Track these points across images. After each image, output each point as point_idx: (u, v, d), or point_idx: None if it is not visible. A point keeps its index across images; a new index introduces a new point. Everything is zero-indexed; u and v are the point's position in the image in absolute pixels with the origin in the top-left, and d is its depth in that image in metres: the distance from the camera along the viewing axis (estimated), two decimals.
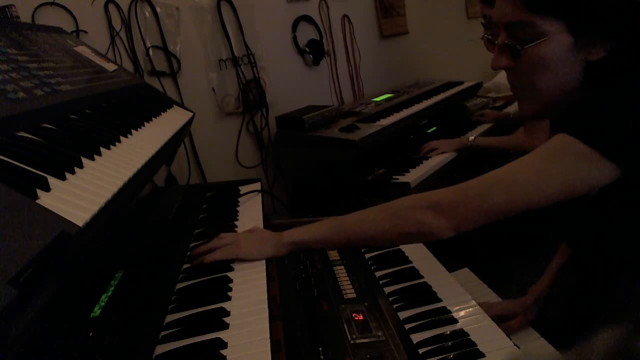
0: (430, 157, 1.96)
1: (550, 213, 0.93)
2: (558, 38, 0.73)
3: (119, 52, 1.68)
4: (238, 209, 1.29)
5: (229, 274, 0.94)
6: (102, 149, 0.79)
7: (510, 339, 0.87)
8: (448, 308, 0.96)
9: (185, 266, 1.00)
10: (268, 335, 0.74)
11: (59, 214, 0.55)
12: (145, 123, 1.08)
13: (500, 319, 1.06)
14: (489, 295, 1.25)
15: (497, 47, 0.81)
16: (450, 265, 1.15)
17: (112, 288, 0.85)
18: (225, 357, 0.70)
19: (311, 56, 2.25)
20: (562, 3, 0.72)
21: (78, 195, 0.62)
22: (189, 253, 1.03)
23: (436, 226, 0.81)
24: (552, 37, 0.73)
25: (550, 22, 0.73)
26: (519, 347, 0.86)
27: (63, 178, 0.64)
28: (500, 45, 0.80)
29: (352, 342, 0.83)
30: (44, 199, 0.57)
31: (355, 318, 0.90)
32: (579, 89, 0.76)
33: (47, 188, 0.59)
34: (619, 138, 0.69)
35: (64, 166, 0.66)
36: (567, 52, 0.74)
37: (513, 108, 2.45)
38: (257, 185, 1.43)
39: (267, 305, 0.82)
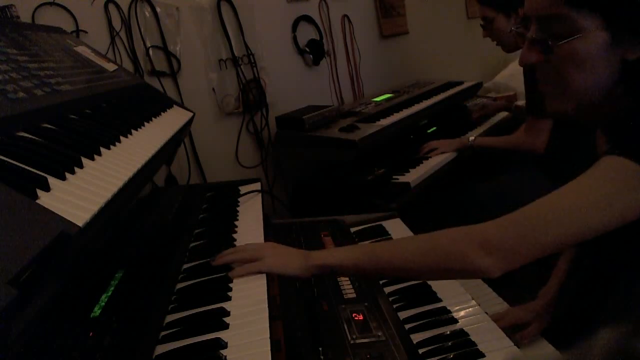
0: (430, 157, 1.96)
1: None
2: (594, 35, 0.69)
3: (119, 52, 1.68)
4: (238, 209, 1.29)
5: (229, 274, 0.94)
6: (102, 149, 0.79)
7: (511, 339, 0.87)
8: (448, 308, 0.96)
9: (185, 266, 1.00)
10: (268, 335, 0.74)
11: (59, 214, 0.55)
12: (145, 123, 1.08)
13: (512, 329, 1.03)
14: (489, 295, 1.25)
15: (528, 41, 0.77)
16: None
17: (112, 288, 0.85)
18: (225, 357, 0.70)
19: (311, 56, 2.25)
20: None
21: (78, 195, 0.62)
22: (184, 266, 0.98)
23: (485, 266, 0.73)
24: (587, 33, 0.69)
25: (587, 18, 0.69)
26: (518, 347, 0.86)
27: (63, 178, 0.64)
28: (531, 40, 0.76)
29: (352, 342, 0.83)
30: (44, 199, 0.57)
31: (355, 318, 0.90)
32: (615, 90, 0.73)
33: (47, 188, 0.59)
34: None
35: (64, 166, 0.66)
36: (603, 50, 0.70)
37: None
38: (257, 185, 1.43)
39: (267, 305, 0.82)
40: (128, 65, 1.70)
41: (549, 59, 0.75)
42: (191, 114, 1.43)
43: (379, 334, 0.85)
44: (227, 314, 0.80)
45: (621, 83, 0.72)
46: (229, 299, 0.85)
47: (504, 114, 2.40)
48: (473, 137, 1.99)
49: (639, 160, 0.66)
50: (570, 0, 0.70)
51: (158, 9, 1.76)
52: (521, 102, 2.47)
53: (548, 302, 1.10)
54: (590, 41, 0.70)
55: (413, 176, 1.77)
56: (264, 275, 0.90)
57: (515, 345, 0.85)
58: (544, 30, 0.74)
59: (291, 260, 0.90)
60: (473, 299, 1.00)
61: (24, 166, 0.61)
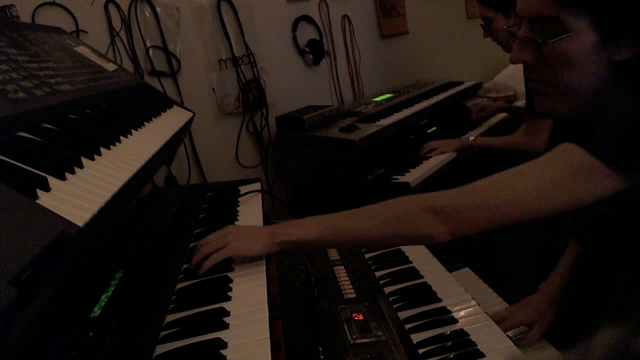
0: (430, 157, 1.96)
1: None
2: (583, 35, 0.71)
3: (119, 52, 1.68)
4: (238, 209, 1.29)
5: (229, 274, 0.94)
6: (102, 149, 0.79)
7: (510, 339, 0.87)
8: (448, 308, 0.96)
9: (185, 266, 1.00)
10: (268, 335, 0.74)
11: (59, 214, 0.55)
12: (145, 123, 1.08)
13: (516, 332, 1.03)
14: (489, 295, 1.25)
15: (518, 41, 0.78)
16: (451, 265, 1.15)
17: (112, 288, 0.85)
18: (225, 357, 0.70)
19: (311, 56, 2.25)
20: None
21: (78, 196, 0.62)
22: (184, 266, 0.99)
23: (435, 231, 0.78)
24: (577, 33, 0.71)
25: (577, 18, 0.70)
26: (518, 347, 0.86)
27: (63, 178, 0.64)
28: (522, 39, 0.77)
29: (352, 342, 0.83)
30: (44, 199, 0.57)
31: (355, 318, 0.90)
32: (605, 89, 0.74)
33: (47, 188, 0.59)
34: (625, 151, 0.67)
35: (64, 166, 0.66)
36: (592, 50, 0.71)
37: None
38: (257, 185, 1.43)
39: (267, 305, 0.82)
40: (128, 65, 1.70)
41: (539, 59, 0.76)
42: (191, 114, 1.43)
43: (379, 334, 0.85)
44: (227, 314, 0.80)
45: (610, 83, 0.73)
46: (229, 299, 0.85)
47: (503, 114, 2.40)
48: (473, 137, 1.99)
49: (593, 153, 0.69)
50: (560, 1, 0.71)
51: (158, 9, 1.76)
52: (520, 103, 2.47)
53: (551, 299, 1.09)
54: (580, 41, 0.71)
55: (413, 176, 1.77)
56: (264, 275, 0.90)
57: (515, 345, 0.85)
58: (535, 30, 0.75)
59: (256, 240, 0.93)
60: (473, 299, 1.00)
61: (24, 166, 0.61)
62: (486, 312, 0.96)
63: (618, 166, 0.67)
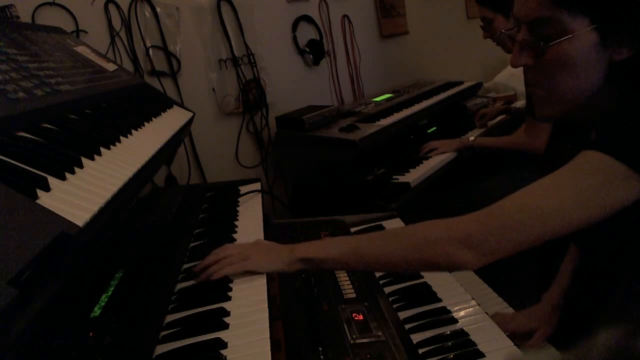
0: (430, 157, 1.96)
1: None
2: (584, 36, 0.70)
3: (119, 52, 1.68)
4: (238, 209, 1.29)
5: None
6: (102, 149, 0.79)
7: (510, 339, 0.87)
8: (448, 308, 0.96)
9: (185, 266, 1.00)
10: (268, 335, 0.74)
11: (59, 214, 0.55)
12: (145, 123, 1.08)
13: (518, 337, 1.01)
14: (489, 295, 1.25)
15: (518, 44, 0.77)
16: None
17: (112, 288, 0.85)
18: (225, 357, 0.70)
19: (311, 56, 2.25)
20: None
21: (78, 196, 0.62)
22: (184, 266, 0.98)
23: (465, 260, 0.75)
24: (577, 34, 0.70)
25: (576, 19, 0.70)
26: (518, 347, 0.86)
27: (63, 178, 0.64)
28: (522, 42, 0.76)
29: (352, 342, 0.83)
30: (44, 199, 0.57)
31: (355, 318, 0.90)
32: (602, 91, 0.74)
33: (47, 188, 0.59)
34: None
35: (64, 166, 0.66)
36: (592, 51, 0.71)
37: (515, 106, 2.45)
38: (257, 185, 1.43)
39: (267, 305, 0.82)
40: (128, 65, 1.70)
41: (539, 61, 0.76)
42: (191, 114, 1.43)
43: (379, 334, 0.85)
44: (227, 314, 0.80)
45: (608, 83, 0.73)
46: (229, 299, 0.85)
47: (507, 107, 2.40)
48: (473, 137, 1.99)
49: (619, 157, 0.67)
50: (559, 3, 0.70)
51: (158, 9, 1.76)
52: (519, 104, 2.47)
53: (554, 307, 1.08)
54: (580, 43, 0.71)
55: (413, 176, 1.77)
56: (264, 275, 0.90)
57: (515, 345, 0.85)
58: (534, 33, 0.75)
59: (276, 256, 0.91)
60: (473, 299, 1.00)
61: (24, 166, 0.61)
62: (486, 312, 0.96)
63: None
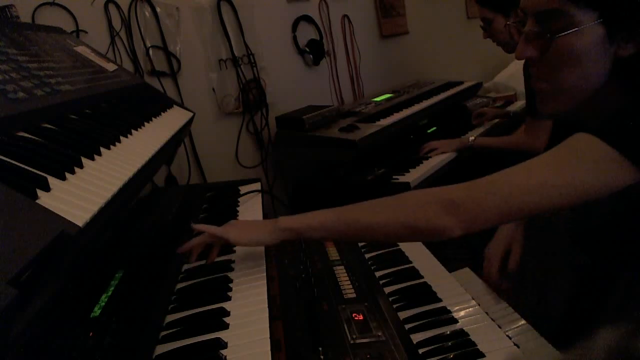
0: (430, 157, 1.96)
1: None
2: (591, 30, 0.70)
3: (119, 52, 1.68)
4: (238, 209, 1.29)
5: (229, 274, 0.94)
6: (102, 149, 0.79)
7: (510, 339, 0.87)
8: (448, 308, 0.96)
9: (186, 266, 1.00)
10: (268, 335, 0.74)
11: (59, 214, 0.55)
12: (145, 123, 1.08)
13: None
14: (489, 295, 1.25)
15: (524, 36, 0.77)
16: (451, 265, 1.14)
17: (112, 288, 0.85)
18: (225, 357, 0.70)
19: (311, 56, 2.25)
20: None
21: (78, 196, 0.62)
22: (184, 266, 1.01)
23: (446, 224, 0.76)
24: (584, 28, 0.70)
25: (583, 12, 0.70)
26: (519, 347, 0.86)
27: (63, 178, 0.64)
28: (528, 34, 0.76)
29: (352, 342, 0.83)
30: (44, 199, 0.57)
31: (355, 318, 0.90)
32: (606, 87, 0.74)
33: (47, 188, 0.59)
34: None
35: (64, 166, 0.66)
36: (598, 45, 0.71)
37: (513, 108, 2.45)
38: (257, 185, 1.43)
39: (267, 305, 0.82)
40: (128, 65, 1.70)
41: (545, 54, 0.75)
42: (191, 114, 1.43)
43: (379, 334, 0.85)
44: (227, 314, 0.80)
45: (613, 79, 0.73)
46: (229, 299, 0.85)
47: (506, 110, 2.40)
48: (473, 137, 1.99)
49: (610, 142, 0.67)
50: None
51: (158, 9, 1.76)
52: (520, 103, 2.47)
53: (517, 224, 1.12)
54: (586, 36, 0.71)
55: (413, 176, 1.77)
56: (264, 275, 0.90)
57: (515, 345, 0.85)
58: (541, 25, 0.74)
59: (256, 228, 0.93)
60: (473, 299, 1.00)
61: (24, 166, 0.61)
62: (486, 312, 0.96)
63: (635, 157, 0.65)
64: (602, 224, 0.84)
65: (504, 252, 1.10)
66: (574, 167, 0.70)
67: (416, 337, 0.88)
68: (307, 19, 2.26)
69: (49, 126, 0.79)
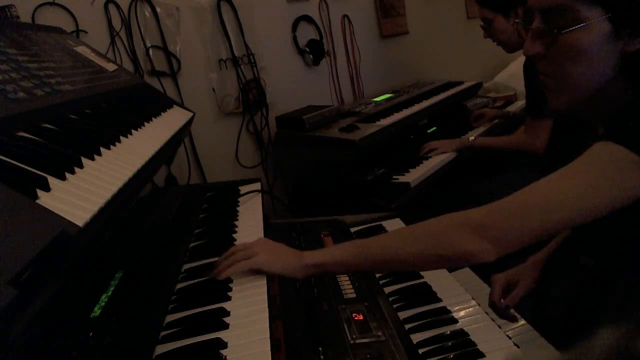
0: (430, 157, 1.96)
1: None
2: (597, 25, 0.70)
3: (119, 52, 1.68)
4: (238, 209, 1.29)
5: None
6: (102, 149, 0.79)
7: (510, 339, 0.87)
8: (448, 308, 0.96)
9: (186, 266, 1.00)
10: (268, 335, 0.74)
11: (59, 214, 0.55)
12: (145, 123, 1.08)
13: (506, 290, 1.04)
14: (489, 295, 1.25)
15: (531, 32, 0.77)
16: None
17: (112, 288, 0.85)
18: (225, 357, 0.70)
19: (311, 56, 2.25)
20: None
21: (78, 196, 0.62)
22: (184, 266, 0.97)
23: (480, 249, 0.72)
24: (591, 23, 0.70)
25: (591, 9, 0.70)
26: (519, 347, 0.86)
27: (63, 178, 0.64)
28: (535, 30, 0.77)
29: (352, 342, 0.83)
30: (44, 199, 0.57)
31: (355, 318, 0.90)
32: (613, 83, 0.74)
33: (47, 188, 0.59)
34: None
35: (64, 166, 0.66)
36: (605, 41, 0.71)
37: (513, 108, 2.45)
38: (257, 185, 1.43)
39: (267, 305, 0.82)
40: (128, 65, 1.70)
41: (551, 50, 0.75)
42: (191, 114, 1.43)
43: (379, 334, 0.85)
44: (227, 314, 0.80)
45: (620, 75, 0.73)
46: (229, 299, 0.85)
47: (506, 111, 2.40)
48: (473, 137, 1.98)
49: (631, 147, 0.66)
50: None
51: (158, 9, 1.76)
52: (519, 105, 2.47)
53: (534, 262, 1.08)
54: (593, 32, 0.71)
55: (413, 176, 1.77)
56: (264, 275, 0.90)
57: (515, 345, 0.85)
58: (548, 21, 0.75)
59: (284, 259, 0.89)
60: (473, 299, 1.00)
61: (24, 166, 0.61)
62: (486, 312, 0.96)
63: None
64: (604, 224, 0.84)
65: (506, 282, 1.07)
66: (596, 176, 0.69)
67: (416, 337, 0.88)
68: (307, 19, 2.26)
69: (49, 126, 0.79)
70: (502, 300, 1.04)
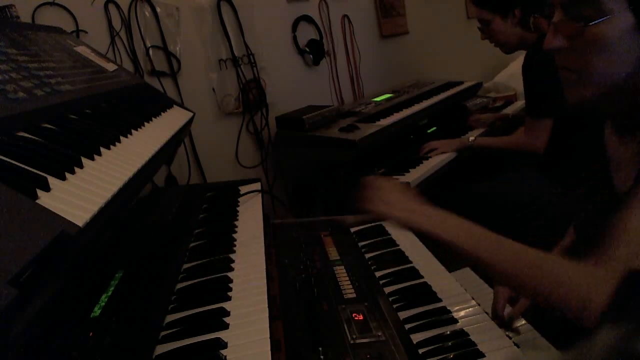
0: (430, 157, 1.96)
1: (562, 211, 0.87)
2: (621, 17, 0.69)
3: (119, 52, 1.68)
4: (238, 209, 1.29)
5: (229, 274, 0.94)
6: (102, 149, 0.79)
7: (510, 339, 0.87)
8: (448, 308, 0.96)
9: (185, 266, 1.00)
10: (268, 335, 0.74)
11: (59, 214, 0.55)
12: (145, 123, 1.08)
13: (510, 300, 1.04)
14: (489, 295, 1.25)
15: (553, 26, 0.76)
16: (451, 265, 1.14)
17: (112, 288, 0.85)
18: (225, 357, 0.70)
19: (311, 56, 2.25)
20: None
21: (78, 196, 0.62)
22: (184, 266, 0.99)
23: (584, 317, 0.69)
24: (615, 15, 0.69)
25: (614, 0, 0.69)
26: (519, 347, 0.86)
27: (63, 178, 0.64)
28: (558, 24, 0.75)
29: (352, 342, 0.83)
30: (44, 199, 0.57)
31: (355, 318, 0.90)
32: (635, 76, 0.73)
33: (47, 188, 0.59)
34: None
35: (64, 166, 0.66)
36: (629, 34, 0.70)
37: (513, 108, 2.45)
38: (257, 185, 1.43)
39: (267, 305, 0.82)
40: (128, 65, 1.70)
41: (575, 43, 0.74)
42: (191, 114, 1.43)
43: (379, 334, 0.85)
44: (227, 314, 0.80)
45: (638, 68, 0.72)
46: (229, 299, 0.85)
47: (504, 114, 2.40)
48: (473, 137, 1.98)
49: None
50: None
51: (158, 9, 1.76)
52: (518, 106, 2.46)
53: None
54: (618, 24, 0.70)
55: (413, 176, 1.77)
56: (264, 275, 0.90)
57: (515, 345, 0.85)
58: (571, 14, 0.73)
59: (400, 208, 0.84)
60: (473, 298, 1.00)
61: (24, 166, 0.61)
62: (486, 312, 0.96)
63: None
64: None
65: (510, 292, 1.05)
66: None
67: (416, 337, 0.88)
68: (307, 19, 2.26)
69: (49, 126, 0.79)
70: (505, 312, 1.04)
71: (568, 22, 0.74)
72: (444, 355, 0.83)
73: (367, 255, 1.19)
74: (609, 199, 0.82)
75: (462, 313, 0.95)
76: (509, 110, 2.44)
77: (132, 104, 1.19)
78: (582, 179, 0.93)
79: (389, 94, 2.39)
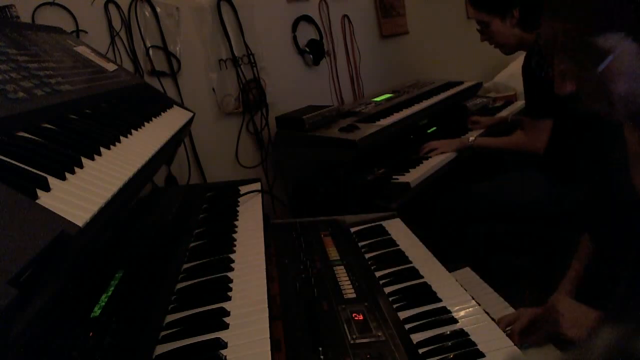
0: (430, 157, 1.96)
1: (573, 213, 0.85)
2: (624, 51, 0.69)
3: (119, 52, 1.68)
4: (238, 209, 1.29)
5: (229, 274, 0.94)
6: (102, 149, 0.79)
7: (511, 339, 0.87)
8: (448, 308, 0.96)
9: (185, 266, 1.00)
10: (268, 335, 0.74)
11: (59, 214, 0.55)
12: (145, 123, 1.08)
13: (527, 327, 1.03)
14: (490, 294, 1.25)
15: (558, 74, 0.76)
16: (451, 265, 1.15)
17: (112, 288, 0.85)
18: (225, 357, 0.70)
19: (311, 56, 2.25)
20: (622, 15, 0.67)
21: (78, 196, 0.62)
22: (184, 266, 0.99)
23: None
24: (617, 51, 0.69)
25: (611, 38, 0.69)
26: (519, 347, 0.86)
27: (63, 178, 0.64)
28: (563, 72, 0.76)
29: (352, 342, 0.83)
30: (44, 199, 0.57)
31: (355, 318, 0.90)
32: None
33: (47, 188, 0.59)
34: None
35: (64, 166, 0.66)
36: (635, 59, 0.70)
37: (512, 108, 2.45)
38: (257, 185, 1.43)
39: (267, 305, 0.82)
40: (128, 65, 1.70)
41: (587, 85, 0.75)
42: (191, 114, 1.43)
43: (379, 334, 0.85)
44: (227, 314, 0.80)
45: None
46: (229, 299, 0.85)
47: (504, 114, 2.40)
48: (473, 137, 1.98)
49: None
50: (592, 28, 0.69)
51: (158, 9, 1.76)
52: (518, 106, 2.46)
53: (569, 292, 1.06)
54: (622, 57, 0.70)
55: (413, 176, 1.77)
56: (264, 276, 0.90)
57: (515, 345, 0.85)
58: (574, 60, 0.74)
59: None
60: (473, 298, 1.00)
61: (24, 166, 0.61)
62: (486, 312, 0.96)
63: None
64: (623, 224, 0.82)
65: (530, 321, 1.05)
66: None
67: (416, 337, 0.88)
68: (307, 19, 2.26)
69: (49, 126, 0.79)
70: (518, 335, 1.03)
71: (573, 69, 0.74)
72: (444, 355, 0.83)
73: (367, 255, 1.19)
74: (630, 199, 0.81)
75: (462, 313, 0.95)
76: (509, 110, 2.43)
77: (132, 104, 1.19)
78: (596, 179, 0.92)
79: (389, 94, 2.39)
